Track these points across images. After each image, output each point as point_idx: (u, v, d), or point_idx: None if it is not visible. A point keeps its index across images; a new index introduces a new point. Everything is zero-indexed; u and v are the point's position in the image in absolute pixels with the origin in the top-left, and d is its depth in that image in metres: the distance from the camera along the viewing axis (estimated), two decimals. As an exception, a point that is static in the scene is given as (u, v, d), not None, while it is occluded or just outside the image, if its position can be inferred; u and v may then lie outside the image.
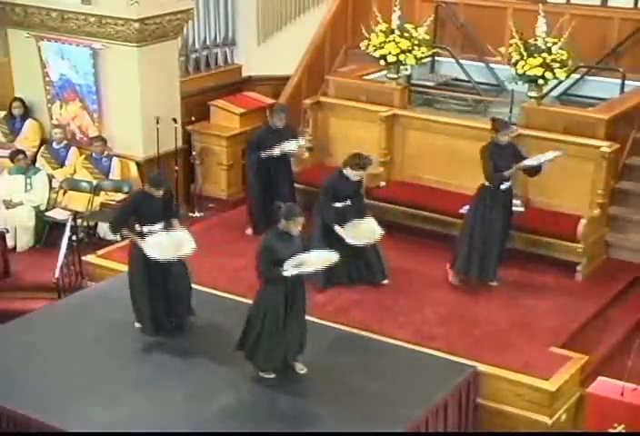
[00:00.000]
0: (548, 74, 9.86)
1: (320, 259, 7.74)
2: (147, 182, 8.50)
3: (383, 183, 10.68)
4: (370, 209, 10.54)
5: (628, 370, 7.40)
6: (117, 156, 11.52)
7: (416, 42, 10.57)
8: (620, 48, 11.23)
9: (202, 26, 12.75)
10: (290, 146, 10.18)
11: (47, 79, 11.92)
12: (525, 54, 9.89)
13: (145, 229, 8.23)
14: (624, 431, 7.19)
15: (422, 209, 10.32)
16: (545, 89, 10.29)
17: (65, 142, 11.84)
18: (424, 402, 7.55)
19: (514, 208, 9.60)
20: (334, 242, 8.92)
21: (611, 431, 7.23)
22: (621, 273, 9.88)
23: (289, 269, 7.39)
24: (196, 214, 11.78)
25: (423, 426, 7.45)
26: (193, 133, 12.36)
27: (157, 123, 11.31)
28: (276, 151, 10.10)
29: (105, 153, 11.52)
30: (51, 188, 11.31)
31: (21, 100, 12.08)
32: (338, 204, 9.24)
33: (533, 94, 10.10)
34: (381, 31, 10.63)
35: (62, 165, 11.78)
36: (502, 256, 9.41)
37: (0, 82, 12.13)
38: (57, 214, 11.08)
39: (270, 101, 12.68)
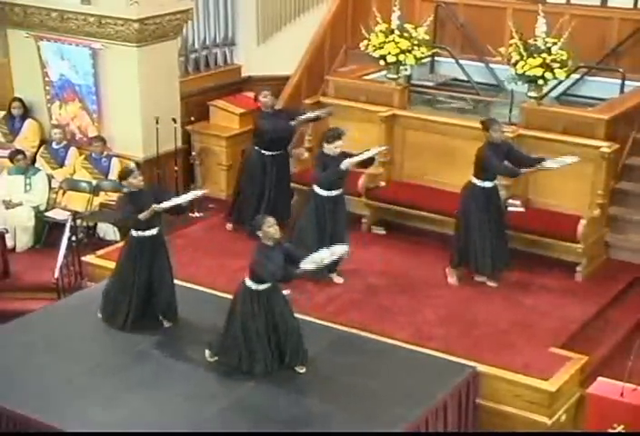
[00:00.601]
0: (548, 75, 9.86)
1: (333, 252, 7.84)
2: (119, 178, 8.64)
3: (382, 184, 10.68)
4: (370, 209, 10.58)
5: (628, 370, 7.39)
6: (117, 156, 11.52)
7: (416, 42, 10.57)
8: (620, 48, 11.22)
9: (202, 26, 12.75)
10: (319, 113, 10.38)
11: (47, 79, 11.92)
12: (524, 54, 9.89)
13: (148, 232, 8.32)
14: (623, 431, 7.19)
15: (421, 209, 10.31)
16: (545, 89, 10.29)
17: (64, 142, 11.82)
18: (423, 403, 7.55)
19: (513, 208, 9.62)
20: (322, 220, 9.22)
21: (611, 431, 7.23)
22: (621, 274, 9.88)
23: (306, 266, 7.53)
24: (196, 214, 11.76)
25: (422, 426, 7.45)
26: (192, 134, 12.36)
27: (157, 123, 11.30)
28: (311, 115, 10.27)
29: (105, 153, 11.51)
30: (50, 188, 11.30)
31: (20, 100, 12.07)
32: (326, 193, 9.29)
33: (532, 94, 10.10)
34: (381, 31, 10.63)
35: (61, 165, 11.77)
36: (505, 259, 9.41)
37: (-1, 82, 12.16)
38: (57, 215, 11.07)
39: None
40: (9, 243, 10.75)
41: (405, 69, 10.84)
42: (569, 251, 9.67)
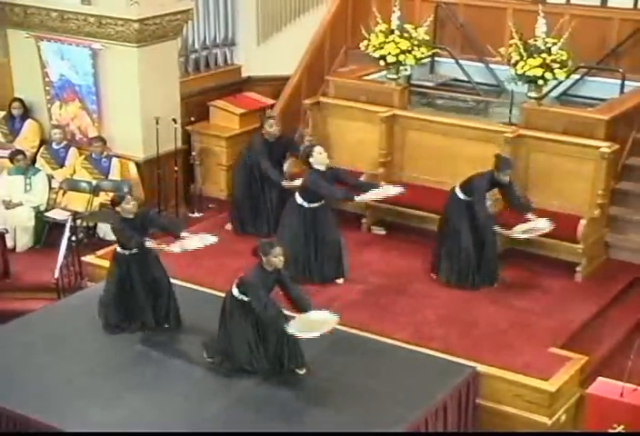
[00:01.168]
0: (548, 75, 9.87)
1: (321, 321, 7.64)
2: (112, 205, 8.53)
3: (382, 184, 10.65)
4: (370, 209, 10.58)
5: (628, 370, 7.39)
6: (117, 157, 11.50)
7: (416, 42, 10.58)
8: (620, 48, 11.22)
9: (202, 27, 12.75)
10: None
11: (47, 79, 11.91)
12: (524, 54, 9.90)
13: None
14: (623, 431, 7.19)
15: (421, 209, 10.31)
16: (545, 89, 10.29)
17: (64, 142, 11.82)
18: (423, 403, 7.55)
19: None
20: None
21: (611, 431, 7.23)
22: (621, 274, 9.88)
23: (294, 331, 7.44)
24: (196, 214, 11.77)
25: (422, 426, 7.45)
26: (192, 134, 12.36)
27: (157, 123, 11.29)
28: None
29: (105, 153, 11.50)
30: (50, 188, 11.30)
31: (20, 100, 12.06)
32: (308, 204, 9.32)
33: (532, 94, 10.10)
34: (381, 31, 10.64)
35: (61, 166, 11.76)
36: (489, 269, 9.41)
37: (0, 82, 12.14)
38: (57, 215, 11.06)
39: (270, 101, 12.70)
40: (9, 243, 10.76)
41: (405, 69, 10.84)
42: (569, 251, 9.67)
